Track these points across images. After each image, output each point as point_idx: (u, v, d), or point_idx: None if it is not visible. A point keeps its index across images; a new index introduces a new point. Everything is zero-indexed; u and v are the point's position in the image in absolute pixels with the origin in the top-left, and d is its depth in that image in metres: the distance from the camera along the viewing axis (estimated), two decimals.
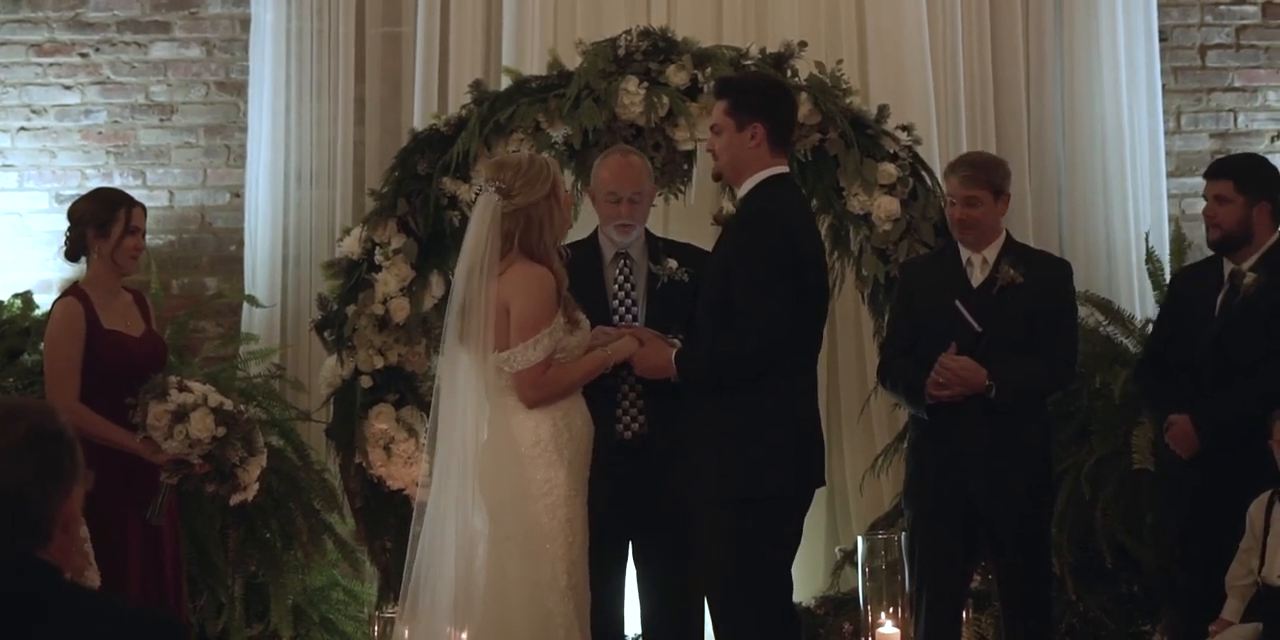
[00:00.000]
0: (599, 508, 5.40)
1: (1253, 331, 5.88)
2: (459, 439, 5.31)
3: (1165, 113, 7.90)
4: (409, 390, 6.81)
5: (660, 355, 5.45)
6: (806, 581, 7.10)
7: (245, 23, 7.94)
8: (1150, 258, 7.34)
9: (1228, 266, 6.04)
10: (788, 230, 5.32)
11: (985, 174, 6.00)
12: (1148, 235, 7.53)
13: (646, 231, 6.16)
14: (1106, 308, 7.25)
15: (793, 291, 5.26)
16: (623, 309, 5.99)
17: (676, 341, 5.53)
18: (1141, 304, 7.50)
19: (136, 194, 6.29)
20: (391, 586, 6.52)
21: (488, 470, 5.28)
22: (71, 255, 6.02)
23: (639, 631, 6.25)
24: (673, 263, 6.03)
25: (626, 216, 6.00)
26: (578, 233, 6.15)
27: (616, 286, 6.02)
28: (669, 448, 5.75)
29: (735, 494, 5.25)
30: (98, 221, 5.92)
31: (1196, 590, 5.94)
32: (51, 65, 8.02)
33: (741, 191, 5.47)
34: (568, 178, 6.60)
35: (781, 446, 5.26)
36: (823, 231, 6.54)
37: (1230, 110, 8.11)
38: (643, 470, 5.82)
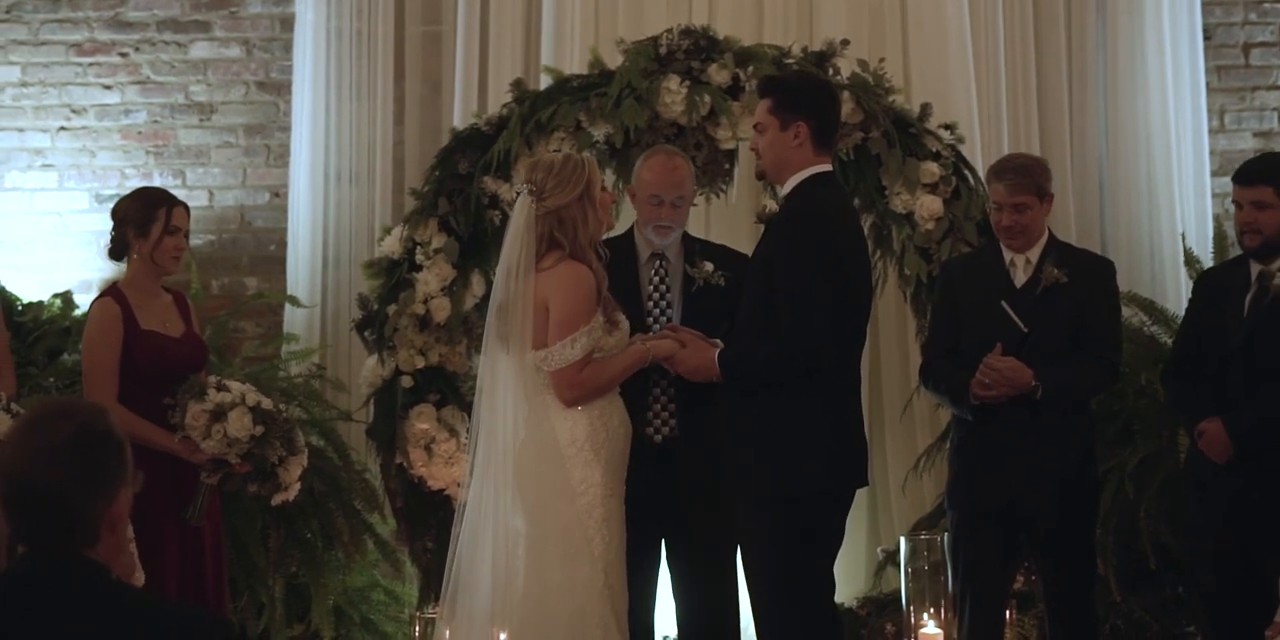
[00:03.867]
0: (631, 511, 5.39)
1: None
2: (498, 438, 5.31)
3: (1209, 111, 7.85)
4: (450, 390, 6.80)
5: (703, 356, 5.42)
6: (848, 582, 7.07)
7: (285, 22, 7.96)
8: (1190, 258, 7.29)
9: (1254, 268, 5.95)
10: (831, 229, 5.28)
11: (1031, 178, 5.94)
12: (1184, 235, 7.48)
13: (684, 233, 6.14)
14: (1150, 307, 7.21)
15: (836, 290, 5.21)
16: (657, 310, 5.97)
17: (719, 342, 5.50)
18: (1185, 303, 7.43)
19: (176, 194, 6.27)
20: (432, 587, 6.53)
21: (526, 469, 5.27)
22: (114, 254, 6.02)
23: (670, 633, 6.25)
24: (709, 266, 6.01)
25: (668, 219, 6.00)
26: (615, 230, 6.13)
27: (651, 288, 6.00)
28: (699, 451, 5.75)
29: (771, 493, 5.22)
30: (138, 221, 5.91)
31: (1224, 594, 5.84)
32: (91, 65, 8.04)
33: (784, 190, 5.43)
34: (609, 177, 6.59)
35: (818, 445, 5.22)
36: (865, 230, 6.51)
37: (1274, 109, 8.07)
38: (673, 473, 5.80)
